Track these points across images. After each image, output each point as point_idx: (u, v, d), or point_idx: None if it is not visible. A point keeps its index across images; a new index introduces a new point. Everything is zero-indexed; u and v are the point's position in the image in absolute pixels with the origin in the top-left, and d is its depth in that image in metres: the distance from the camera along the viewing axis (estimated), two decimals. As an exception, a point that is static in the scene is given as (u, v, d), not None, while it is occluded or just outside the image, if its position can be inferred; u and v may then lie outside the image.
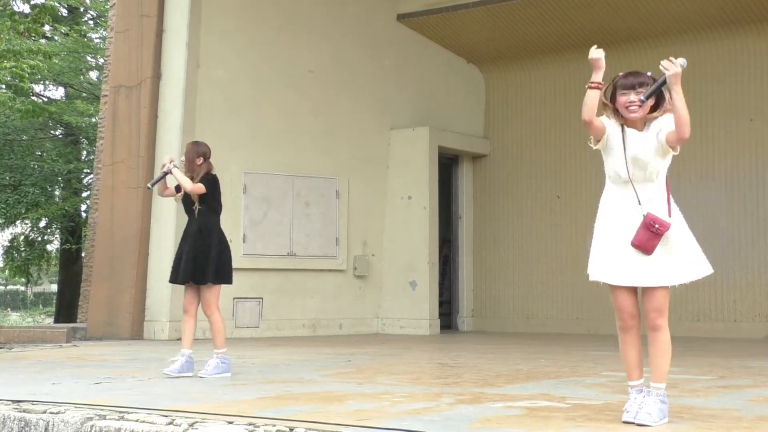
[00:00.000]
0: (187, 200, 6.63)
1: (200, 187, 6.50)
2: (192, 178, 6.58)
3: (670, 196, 4.00)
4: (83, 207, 20.24)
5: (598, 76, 4.01)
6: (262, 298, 12.01)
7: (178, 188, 6.70)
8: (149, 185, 6.66)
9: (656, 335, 4.03)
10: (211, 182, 6.60)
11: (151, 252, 11.37)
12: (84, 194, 20.11)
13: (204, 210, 6.60)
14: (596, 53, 4.02)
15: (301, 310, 12.43)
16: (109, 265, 11.54)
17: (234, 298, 11.49)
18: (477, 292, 14.48)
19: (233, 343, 9.92)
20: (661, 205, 3.95)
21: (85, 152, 20.83)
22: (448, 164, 14.52)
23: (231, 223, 11.58)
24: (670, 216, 3.94)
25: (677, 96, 3.82)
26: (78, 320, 13.60)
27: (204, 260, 6.52)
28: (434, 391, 5.53)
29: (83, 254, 17.87)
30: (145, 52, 11.76)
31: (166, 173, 6.58)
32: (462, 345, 10.58)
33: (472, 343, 10.83)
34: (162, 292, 11.09)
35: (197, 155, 6.61)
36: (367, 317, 13.15)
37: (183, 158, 6.70)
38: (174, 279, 6.68)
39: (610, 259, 3.99)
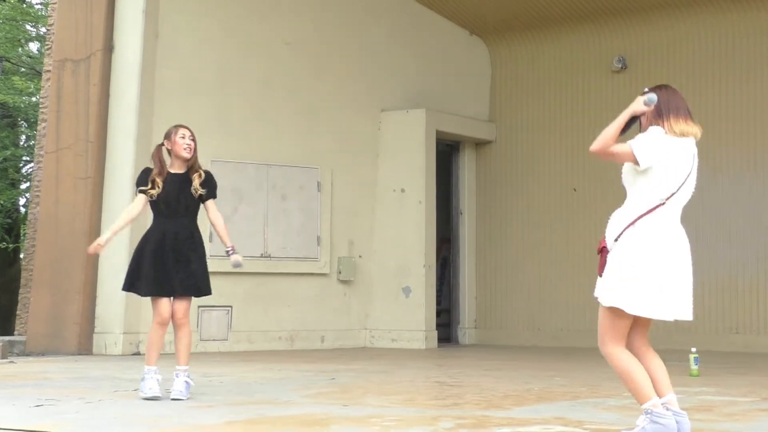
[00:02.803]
0: (172, 196, 6.36)
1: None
2: (193, 168, 6.45)
3: (641, 219, 4.29)
4: (22, 201, 20.18)
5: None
6: (231, 307, 11.99)
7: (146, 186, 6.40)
8: None
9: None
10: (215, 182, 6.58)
11: (102, 253, 11.29)
12: (23, 186, 20.04)
13: (195, 208, 6.47)
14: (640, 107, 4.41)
15: (277, 321, 12.42)
16: (52, 268, 11.50)
17: (199, 307, 11.47)
18: (480, 300, 14.50)
19: (197, 358, 9.90)
20: (616, 226, 4.35)
21: (24, 137, 20.76)
22: (447, 152, 14.53)
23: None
24: (617, 239, 4.31)
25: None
26: (15, 332, 13.56)
27: (205, 270, 6.43)
28: (431, 414, 5.54)
29: (22, 255, 17.81)
30: (95, 20, 11.71)
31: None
32: (463, 360, 10.59)
33: (475, 359, 10.85)
34: (115, 299, 11.05)
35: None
36: (353, 328, 13.14)
37: (183, 141, 6.43)
38: (167, 291, 6.33)
39: None
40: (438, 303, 13.84)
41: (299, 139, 12.68)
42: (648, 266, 4.20)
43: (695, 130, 4.39)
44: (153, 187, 6.36)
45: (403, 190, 13.26)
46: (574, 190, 13.90)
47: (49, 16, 14.63)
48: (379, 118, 13.55)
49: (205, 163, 11.57)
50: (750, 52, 12.93)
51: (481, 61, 14.90)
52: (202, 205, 6.54)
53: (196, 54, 11.97)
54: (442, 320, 14.11)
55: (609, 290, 4.25)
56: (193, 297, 6.46)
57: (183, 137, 6.43)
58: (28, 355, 11.09)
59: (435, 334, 13.14)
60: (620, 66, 13.66)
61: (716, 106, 13.00)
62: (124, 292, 10.74)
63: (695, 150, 4.39)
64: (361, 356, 11.21)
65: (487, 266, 14.47)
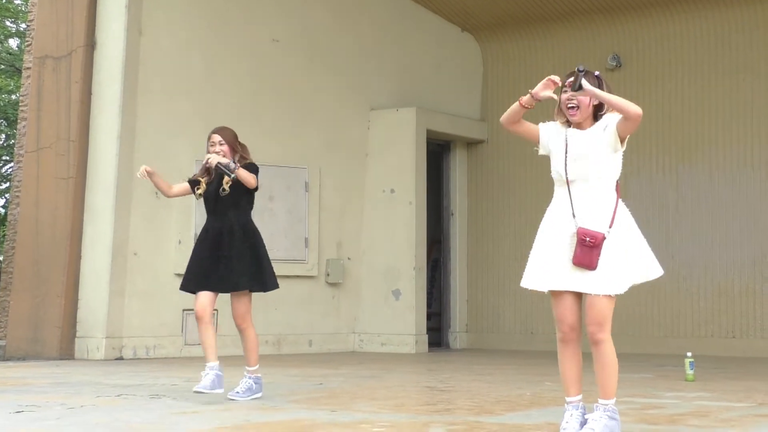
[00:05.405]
0: (212, 195, 6.69)
1: (254, 179, 6.61)
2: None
3: (620, 201, 4.58)
4: (1, 201, 20.12)
5: (527, 97, 4.72)
6: (216, 310, 11.89)
7: (193, 184, 6.84)
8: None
9: (598, 350, 4.58)
10: (257, 169, 6.74)
11: (84, 255, 11.32)
12: (2, 186, 19.99)
13: (246, 204, 6.76)
14: (546, 91, 4.71)
15: (264, 324, 12.40)
16: (33, 271, 11.48)
17: (183, 310, 11.46)
18: (472, 303, 14.51)
19: (182, 363, 9.89)
20: (601, 213, 4.54)
21: (3, 136, 20.71)
22: (438, 152, 14.54)
23: (181, 220, 11.56)
24: (612, 225, 4.49)
25: (600, 96, 4.58)
26: (-5, 337, 13.53)
27: (256, 263, 6.72)
28: (421, 419, 5.55)
29: (1, 258, 17.77)
30: (76, 15, 11.70)
31: (226, 171, 6.52)
32: (454, 365, 10.60)
33: (466, 363, 10.86)
34: (97, 303, 11.04)
35: (236, 138, 6.79)
36: (341, 332, 13.15)
37: (213, 148, 6.70)
38: (203, 286, 6.66)
39: (546, 266, 4.77)
40: (428, 306, 13.85)
41: (286, 138, 12.68)
42: (641, 237, 4.57)
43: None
44: (198, 187, 6.84)
45: (392, 191, 13.27)
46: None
47: (29, 12, 14.59)
48: (368, 117, 13.55)
49: (188, 162, 11.65)
50: (745, 47, 12.97)
51: (472, 59, 14.92)
52: (245, 200, 6.75)
53: (180, 51, 11.96)
54: (432, 324, 14.11)
55: (622, 275, 4.46)
56: (241, 292, 6.73)
57: (213, 145, 6.80)
58: (7, 360, 11.06)
59: (425, 338, 13.15)
60: (615, 64, 13.69)
61: (711, 104, 13.05)
62: (107, 295, 10.92)
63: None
64: (349, 361, 11.21)
65: (479, 268, 14.49)
